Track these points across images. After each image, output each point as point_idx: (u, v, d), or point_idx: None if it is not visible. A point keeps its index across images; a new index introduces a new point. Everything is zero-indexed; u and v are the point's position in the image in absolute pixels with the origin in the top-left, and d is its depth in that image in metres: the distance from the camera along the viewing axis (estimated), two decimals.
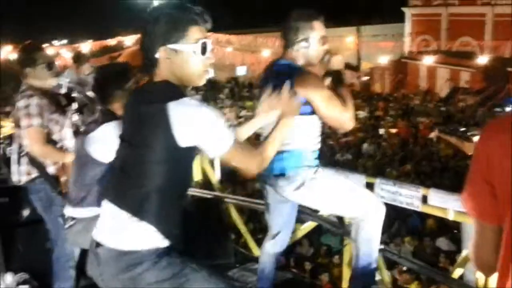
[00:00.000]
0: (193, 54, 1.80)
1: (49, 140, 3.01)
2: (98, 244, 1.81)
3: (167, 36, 1.78)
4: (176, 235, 1.79)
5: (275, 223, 2.94)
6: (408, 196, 3.05)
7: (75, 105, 4.52)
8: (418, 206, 3.00)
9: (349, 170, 3.27)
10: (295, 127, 2.54)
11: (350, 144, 14.64)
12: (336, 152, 13.85)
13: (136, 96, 1.90)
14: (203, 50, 1.81)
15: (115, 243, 1.76)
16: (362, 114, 18.03)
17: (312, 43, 2.59)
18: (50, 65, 3.09)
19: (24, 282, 3.54)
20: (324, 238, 7.19)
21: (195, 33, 1.80)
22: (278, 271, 3.27)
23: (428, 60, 22.34)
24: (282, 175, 2.62)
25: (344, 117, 2.54)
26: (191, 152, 1.78)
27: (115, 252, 1.76)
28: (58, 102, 3.16)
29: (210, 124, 1.72)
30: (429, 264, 4.09)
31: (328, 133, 15.25)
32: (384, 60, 25.56)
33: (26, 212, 4.00)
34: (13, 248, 3.89)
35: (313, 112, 2.55)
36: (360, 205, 2.66)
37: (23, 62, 3.06)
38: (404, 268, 5.66)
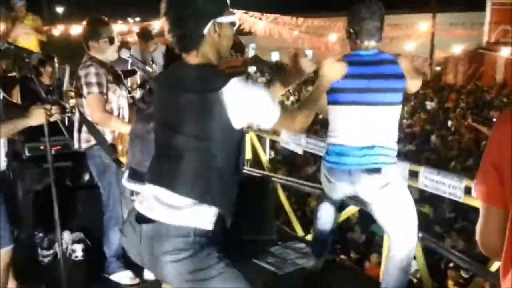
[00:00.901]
0: (232, 26, 1.81)
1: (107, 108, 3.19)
2: (145, 221, 1.81)
3: (215, 9, 1.75)
4: (231, 213, 1.85)
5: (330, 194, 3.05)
6: (451, 186, 3.00)
7: (138, 81, 4.76)
8: (460, 197, 2.95)
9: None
10: (388, 120, 2.62)
11: (415, 135, 14.25)
12: (399, 141, 13.49)
13: (180, 79, 1.81)
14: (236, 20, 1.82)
15: (171, 219, 1.77)
16: (430, 105, 17.43)
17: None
18: (112, 39, 3.26)
19: (79, 241, 3.83)
20: (375, 226, 7.13)
21: (228, 4, 1.80)
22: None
23: (507, 52, 21.08)
24: (375, 170, 2.62)
25: None
26: (243, 131, 1.81)
27: (166, 230, 1.77)
28: (115, 73, 3.35)
29: (259, 101, 1.75)
30: (479, 261, 3.99)
31: None
32: (459, 49, 24.43)
33: (86, 176, 4.30)
34: (73, 209, 4.21)
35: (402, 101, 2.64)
36: (411, 230, 2.75)
37: (87, 35, 3.25)
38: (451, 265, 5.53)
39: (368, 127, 2.63)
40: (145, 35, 5.67)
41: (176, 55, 2.61)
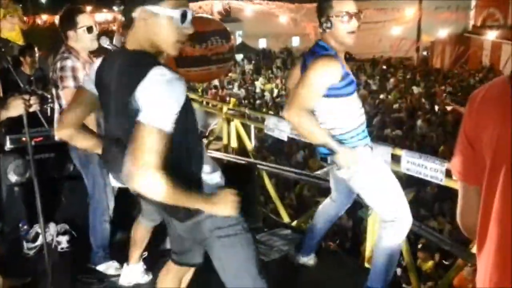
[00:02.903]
0: (170, 20, 1.74)
1: None
2: None
3: None
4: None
5: (335, 188, 3.10)
6: (433, 170, 3.03)
7: None
8: (441, 180, 2.98)
9: (376, 141, 3.25)
10: (326, 111, 2.62)
11: (402, 120, 14.32)
12: (386, 127, 13.57)
13: (114, 64, 1.81)
14: (183, 18, 1.75)
15: None
16: (417, 90, 17.50)
17: (335, 22, 2.54)
18: (90, 28, 3.21)
19: (64, 233, 3.81)
20: (361, 211, 7.18)
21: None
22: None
23: (493, 35, 21.18)
24: (325, 159, 2.72)
25: (291, 105, 2.51)
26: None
27: None
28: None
29: (160, 97, 1.63)
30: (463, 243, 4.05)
31: (380, 107, 15.12)
32: (445, 33, 24.50)
33: (71, 167, 4.27)
34: (58, 200, 4.18)
35: (334, 95, 2.56)
36: (396, 207, 2.75)
37: (64, 25, 3.18)
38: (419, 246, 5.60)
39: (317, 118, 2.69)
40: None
41: None
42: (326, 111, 2.63)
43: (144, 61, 1.73)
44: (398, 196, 2.76)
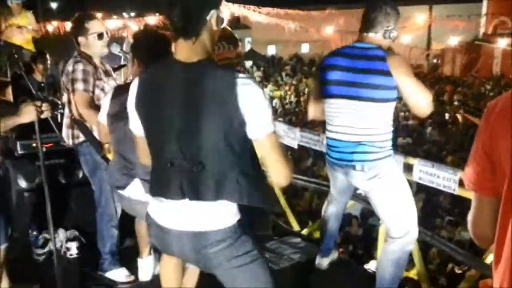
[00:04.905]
0: (221, 21, 1.74)
1: (95, 105, 3.14)
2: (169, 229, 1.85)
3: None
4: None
5: (335, 189, 3.09)
6: (446, 179, 2.99)
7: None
8: (454, 189, 2.94)
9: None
10: (377, 115, 2.60)
11: (413, 128, 14.28)
12: (397, 135, 13.51)
13: (187, 73, 1.72)
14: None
15: (196, 226, 1.80)
16: None
17: (395, 32, 2.63)
18: (101, 35, 3.22)
19: (73, 239, 3.80)
20: (373, 219, 7.14)
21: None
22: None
23: (504, 43, 21.08)
24: (361, 167, 2.68)
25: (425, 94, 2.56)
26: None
27: (197, 233, 1.80)
28: (105, 70, 3.31)
29: (263, 105, 1.71)
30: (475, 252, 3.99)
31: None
32: (456, 41, 24.41)
33: (80, 173, 4.27)
34: (67, 206, 4.18)
35: (396, 99, 2.59)
36: (407, 223, 2.74)
37: (76, 31, 3.21)
38: None
39: (353, 122, 2.65)
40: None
41: (149, 44, 2.63)
42: (385, 114, 2.63)
43: (224, 72, 1.71)
44: (411, 213, 2.75)
